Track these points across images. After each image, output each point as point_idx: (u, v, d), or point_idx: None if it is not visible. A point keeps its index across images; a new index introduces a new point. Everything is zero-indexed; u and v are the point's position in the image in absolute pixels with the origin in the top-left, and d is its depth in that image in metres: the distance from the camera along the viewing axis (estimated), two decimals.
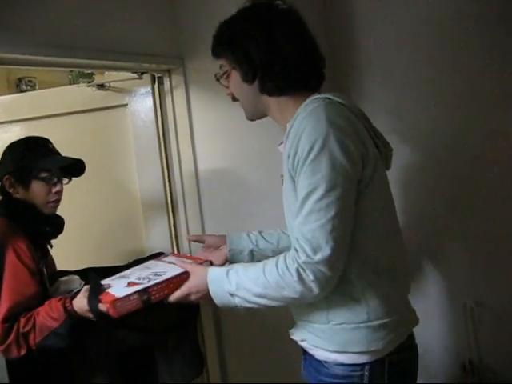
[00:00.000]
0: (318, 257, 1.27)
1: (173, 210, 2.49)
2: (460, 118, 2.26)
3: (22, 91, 3.08)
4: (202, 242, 1.84)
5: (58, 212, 1.94)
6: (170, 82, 2.44)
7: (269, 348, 2.48)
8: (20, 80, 3.16)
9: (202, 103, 2.42)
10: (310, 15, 1.52)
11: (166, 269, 1.55)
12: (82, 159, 1.90)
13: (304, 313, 1.49)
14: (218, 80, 1.55)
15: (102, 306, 1.46)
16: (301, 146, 1.30)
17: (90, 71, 2.72)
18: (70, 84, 2.73)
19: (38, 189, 1.83)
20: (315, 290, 1.30)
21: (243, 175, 2.38)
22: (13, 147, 1.88)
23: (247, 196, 2.38)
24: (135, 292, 1.43)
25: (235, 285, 1.38)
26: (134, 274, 1.60)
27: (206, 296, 1.44)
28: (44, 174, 1.84)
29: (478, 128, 2.23)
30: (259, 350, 2.51)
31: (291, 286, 1.31)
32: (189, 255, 1.68)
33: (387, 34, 2.38)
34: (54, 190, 1.85)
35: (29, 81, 3.16)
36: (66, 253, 1.99)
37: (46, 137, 2.32)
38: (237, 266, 1.43)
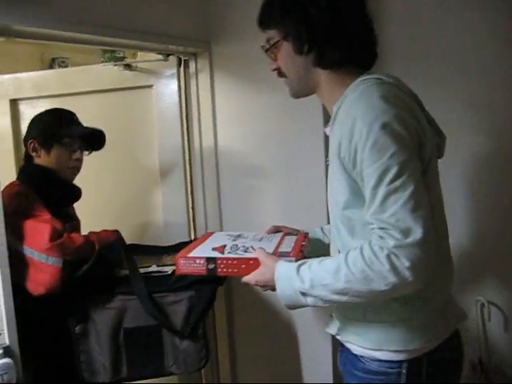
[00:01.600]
0: (410, 239, 1.12)
1: (192, 191, 2.52)
2: None
3: None
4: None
5: (82, 186, 2.03)
6: (196, 65, 2.46)
7: (280, 343, 2.50)
8: (53, 60, 3.23)
9: (226, 88, 2.43)
10: None
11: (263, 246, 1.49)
12: (102, 130, 2.02)
13: (340, 307, 1.41)
14: (266, 52, 1.43)
15: None
16: (357, 131, 1.19)
17: (121, 55, 2.77)
18: None
19: (58, 154, 1.94)
20: (410, 278, 1.13)
21: (263, 161, 2.39)
22: (39, 115, 2.02)
23: (266, 181, 2.39)
24: (204, 258, 1.44)
25: (309, 282, 1.23)
26: (241, 239, 1.62)
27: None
28: (66, 140, 1.95)
29: None
30: (270, 344, 2.53)
31: (382, 277, 1.14)
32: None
33: None
34: (73, 157, 1.97)
35: (62, 61, 3.23)
36: (87, 225, 2.05)
37: None
38: (309, 261, 1.28)
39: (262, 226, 1.80)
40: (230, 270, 1.41)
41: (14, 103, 2.62)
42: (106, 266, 1.82)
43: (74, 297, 1.76)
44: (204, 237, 1.74)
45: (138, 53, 2.69)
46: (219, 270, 1.42)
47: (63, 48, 3.16)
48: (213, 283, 1.86)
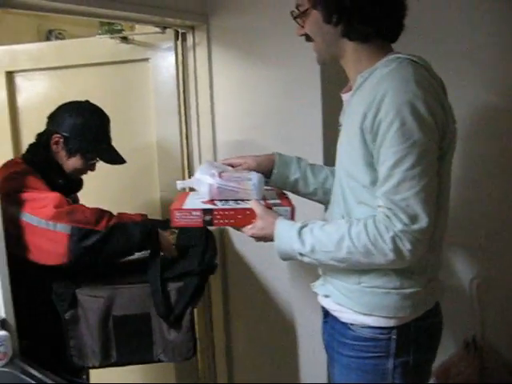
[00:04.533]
0: (417, 226, 1.22)
1: (188, 166, 2.51)
2: None
3: None
4: (235, 165, 1.65)
5: None
6: (193, 38, 2.42)
7: (277, 332, 2.51)
8: (50, 32, 3.17)
9: (223, 61, 2.40)
10: None
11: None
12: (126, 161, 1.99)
13: (334, 270, 1.43)
14: (294, 19, 1.45)
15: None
16: (385, 107, 1.22)
17: (119, 27, 2.73)
18: None
19: (77, 163, 1.91)
20: (408, 258, 1.25)
21: (260, 135, 2.36)
22: (84, 114, 1.91)
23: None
24: (200, 209, 1.43)
25: (310, 246, 1.31)
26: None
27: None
28: (89, 156, 1.92)
29: None
30: (267, 334, 2.55)
31: (383, 254, 1.24)
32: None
33: None
34: (87, 171, 1.97)
35: (59, 33, 3.17)
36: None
37: (70, 87, 2.39)
38: (311, 224, 1.34)
39: None
40: (226, 221, 1.42)
41: (9, 75, 2.59)
42: (119, 243, 1.72)
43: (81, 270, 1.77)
44: (184, 194, 1.67)
45: (136, 25, 2.66)
46: (215, 221, 1.42)
47: (61, 20, 3.12)
48: (202, 274, 1.86)
